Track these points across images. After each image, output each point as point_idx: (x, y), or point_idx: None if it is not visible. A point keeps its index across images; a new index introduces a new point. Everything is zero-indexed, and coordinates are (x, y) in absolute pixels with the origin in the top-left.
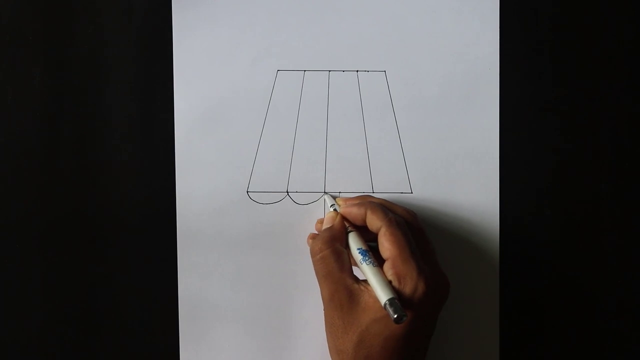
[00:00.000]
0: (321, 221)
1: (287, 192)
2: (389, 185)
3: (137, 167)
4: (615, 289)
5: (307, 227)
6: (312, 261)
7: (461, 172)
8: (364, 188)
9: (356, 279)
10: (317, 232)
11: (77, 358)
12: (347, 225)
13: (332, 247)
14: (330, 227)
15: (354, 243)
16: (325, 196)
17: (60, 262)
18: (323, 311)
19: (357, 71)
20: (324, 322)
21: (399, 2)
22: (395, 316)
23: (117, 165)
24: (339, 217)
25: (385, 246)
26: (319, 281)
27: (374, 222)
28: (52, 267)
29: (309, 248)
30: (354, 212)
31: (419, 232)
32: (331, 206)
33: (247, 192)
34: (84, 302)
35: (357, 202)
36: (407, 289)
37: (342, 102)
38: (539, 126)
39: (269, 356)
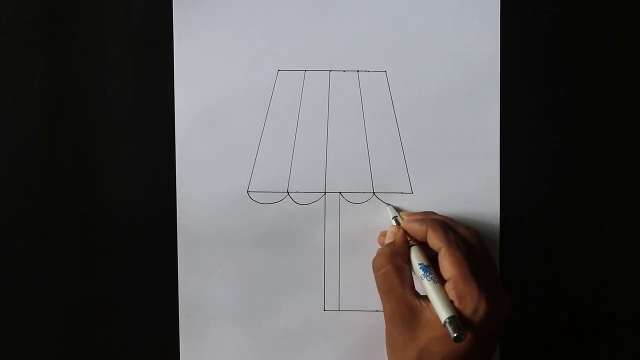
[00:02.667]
0: (382, 233)
1: (288, 192)
2: (389, 185)
3: (137, 167)
4: (615, 288)
5: (307, 227)
6: (374, 277)
7: (461, 172)
8: (364, 188)
9: (418, 296)
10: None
11: (77, 358)
12: (409, 239)
13: (393, 263)
14: (391, 242)
15: (416, 258)
16: (388, 208)
17: (61, 262)
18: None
19: (357, 71)
20: (385, 334)
21: (399, 2)
22: (455, 335)
23: (117, 165)
24: (400, 232)
25: (446, 267)
26: (380, 297)
27: (434, 241)
28: (52, 267)
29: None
30: (414, 228)
31: (480, 251)
32: (393, 218)
33: (248, 192)
34: (84, 302)
35: (420, 217)
36: (468, 309)
37: (343, 102)
38: (539, 126)
39: (269, 356)
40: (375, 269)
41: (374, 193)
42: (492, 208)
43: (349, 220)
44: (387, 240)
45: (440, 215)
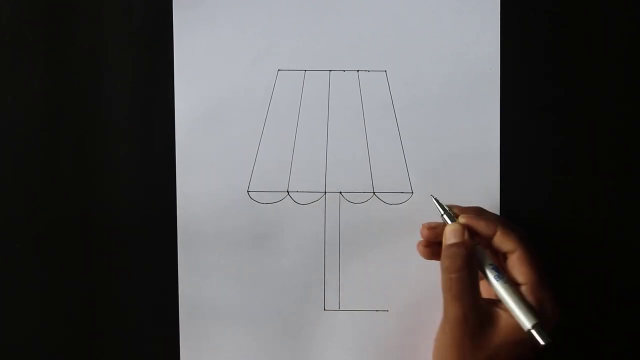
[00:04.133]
0: (427, 227)
1: (288, 191)
2: (389, 185)
3: (137, 167)
4: (615, 288)
5: (308, 227)
6: (445, 277)
7: (461, 172)
8: (364, 188)
9: (488, 300)
10: (423, 239)
11: (77, 358)
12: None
13: (470, 266)
14: (461, 242)
15: (485, 259)
16: (435, 200)
17: (60, 262)
18: (440, 326)
19: (357, 71)
20: (435, 339)
21: (399, 2)
22: (543, 343)
23: (117, 165)
24: (467, 232)
25: (523, 270)
26: (448, 300)
27: (506, 243)
28: (52, 267)
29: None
30: (481, 227)
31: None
32: (443, 215)
33: (248, 191)
34: (84, 302)
35: (475, 214)
36: (547, 315)
37: (343, 102)
38: (539, 126)
39: (269, 356)
40: (451, 270)
41: (374, 193)
42: (492, 208)
43: (349, 220)
44: (450, 240)
45: (492, 213)
